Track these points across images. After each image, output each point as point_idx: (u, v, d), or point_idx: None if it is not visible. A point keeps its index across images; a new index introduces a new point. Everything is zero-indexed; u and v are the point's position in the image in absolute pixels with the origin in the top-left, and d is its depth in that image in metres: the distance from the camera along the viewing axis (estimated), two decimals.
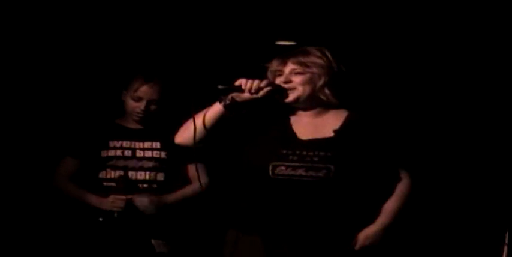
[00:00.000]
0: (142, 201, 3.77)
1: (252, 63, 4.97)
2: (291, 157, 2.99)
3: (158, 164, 3.85)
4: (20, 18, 4.48)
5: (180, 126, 3.10)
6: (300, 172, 2.97)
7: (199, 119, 3.01)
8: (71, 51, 4.78)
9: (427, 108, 5.03)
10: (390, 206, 3.10)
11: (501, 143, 4.86)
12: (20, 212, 4.62)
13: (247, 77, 3.00)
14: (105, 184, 3.82)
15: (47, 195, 4.30)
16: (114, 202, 3.73)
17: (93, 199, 3.78)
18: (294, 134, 3.07)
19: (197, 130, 3.00)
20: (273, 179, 2.99)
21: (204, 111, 3.03)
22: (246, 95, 2.98)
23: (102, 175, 3.84)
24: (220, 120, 3.01)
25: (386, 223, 3.08)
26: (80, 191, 3.83)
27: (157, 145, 3.87)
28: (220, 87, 2.97)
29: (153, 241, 3.80)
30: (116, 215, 3.74)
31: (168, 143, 3.84)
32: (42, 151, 4.57)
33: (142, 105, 3.83)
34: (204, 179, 3.78)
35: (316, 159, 2.97)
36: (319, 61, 3.06)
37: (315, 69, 3.05)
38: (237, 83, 2.99)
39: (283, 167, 2.98)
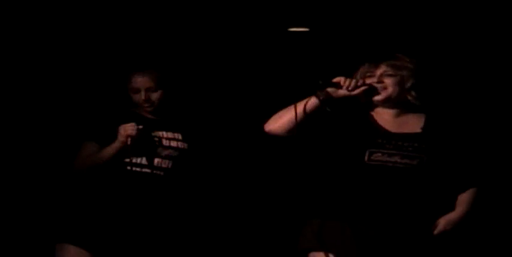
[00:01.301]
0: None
1: (264, 49, 5.02)
2: (387, 145, 3.26)
3: (181, 155, 3.91)
4: (44, 15, 4.61)
5: (273, 115, 3.28)
6: (396, 159, 3.25)
7: (292, 110, 3.21)
8: (83, 45, 4.87)
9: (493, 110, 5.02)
10: (467, 197, 3.38)
11: None
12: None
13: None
14: (129, 168, 3.85)
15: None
16: (125, 129, 3.73)
17: (111, 145, 3.78)
18: (383, 128, 3.32)
19: (291, 120, 3.21)
20: (368, 165, 3.25)
21: (297, 104, 3.22)
22: (343, 92, 3.22)
23: (127, 159, 3.86)
24: (312, 114, 3.22)
25: (466, 211, 3.37)
26: (97, 153, 3.83)
27: (179, 136, 3.93)
28: (320, 82, 3.20)
29: None
30: (129, 142, 3.76)
31: (188, 135, 3.94)
32: (62, 137, 4.65)
33: (142, 95, 3.87)
34: None
35: (410, 149, 3.26)
36: (409, 65, 3.35)
37: (404, 72, 3.33)
38: (336, 80, 3.22)
39: (379, 154, 3.25)
